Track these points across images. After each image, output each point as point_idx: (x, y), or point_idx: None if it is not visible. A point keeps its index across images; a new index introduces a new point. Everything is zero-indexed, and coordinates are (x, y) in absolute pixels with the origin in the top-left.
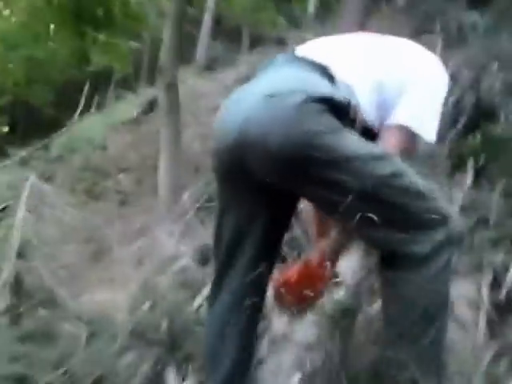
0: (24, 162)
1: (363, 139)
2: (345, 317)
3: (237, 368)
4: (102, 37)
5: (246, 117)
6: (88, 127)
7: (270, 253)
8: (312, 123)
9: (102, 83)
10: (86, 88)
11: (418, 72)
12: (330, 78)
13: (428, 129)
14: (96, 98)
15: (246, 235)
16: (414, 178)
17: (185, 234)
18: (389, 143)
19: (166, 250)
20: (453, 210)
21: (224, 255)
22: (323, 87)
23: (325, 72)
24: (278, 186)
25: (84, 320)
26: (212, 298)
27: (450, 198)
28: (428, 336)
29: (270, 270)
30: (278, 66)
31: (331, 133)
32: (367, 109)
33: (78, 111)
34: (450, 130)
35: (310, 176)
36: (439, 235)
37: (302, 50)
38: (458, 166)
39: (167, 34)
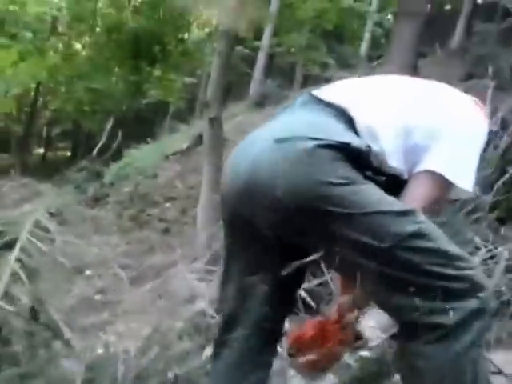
0: (78, 186)
1: (383, 192)
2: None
3: None
4: (157, 72)
5: (254, 161)
6: (142, 156)
7: (279, 309)
8: (322, 171)
9: (159, 115)
10: (136, 119)
11: (453, 117)
12: (349, 122)
13: (463, 177)
14: (153, 129)
15: (252, 289)
16: (441, 240)
17: (211, 273)
18: (417, 191)
19: (185, 290)
20: (486, 279)
21: (229, 309)
22: (339, 132)
23: (343, 115)
24: (286, 240)
25: (85, 361)
26: (216, 353)
27: (495, 255)
28: None
29: (279, 327)
30: (295, 109)
31: (344, 184)
32: (393, 155)
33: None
34: (497, 180)
35: (318, 230)
36: (468, 306)
37: (323, 92)
38: (504, 219)
39: (215, 71)
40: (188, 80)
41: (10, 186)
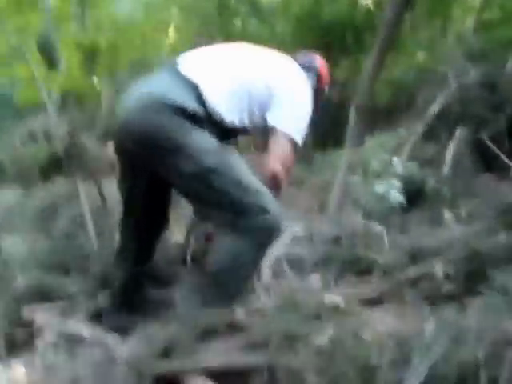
0: None
1: (209, 138)
2: None
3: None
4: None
5: (127, 111)
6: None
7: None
8: (163, 120)
9: None
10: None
11: (284, 79)
12: (197, 92)
13: (299, 134)
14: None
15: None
16: (242, 173)
17: None
18: (278, 148)
19: None
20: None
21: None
22: (185, 100)
23: (195, 89)
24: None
25: None
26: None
27: None
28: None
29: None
30: (163, 75)
31: (175, 130)
32: (231, 114)
33: None
34: None
35: (157, 158)
36: (256, 222)
37: (184, 64)
38: None
39: (371, 59)
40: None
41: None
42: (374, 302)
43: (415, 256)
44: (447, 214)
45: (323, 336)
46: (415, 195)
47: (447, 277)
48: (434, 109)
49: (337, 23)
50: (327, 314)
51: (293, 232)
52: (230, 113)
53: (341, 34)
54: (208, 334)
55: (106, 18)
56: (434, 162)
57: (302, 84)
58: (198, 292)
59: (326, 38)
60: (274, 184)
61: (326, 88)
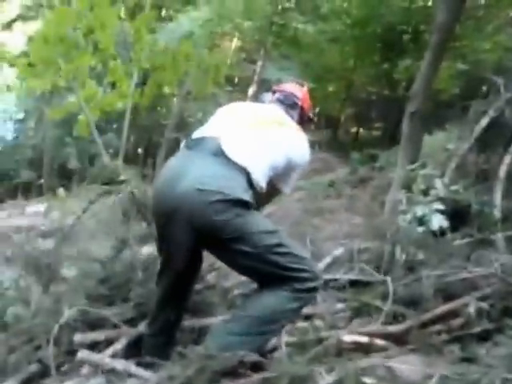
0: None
1: (262, 219)
2: None
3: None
4: (407, 61)
5: (180, 198)
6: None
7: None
8: (221, 214)
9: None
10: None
11: (298, 154)
12: (247, 176)
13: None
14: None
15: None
16: (292, 246)
17: None
18: (290, 189)
19: None
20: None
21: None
22: (239, 189)
23: (242, 170)
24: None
25: None
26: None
27: None
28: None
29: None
30: (204, 157)
31: (237, 217)
32: (263, 183)
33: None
34: None
35: (220, 246)
36: (308, 287)
37: (228, 147)
38: None
39: (425, 63)
40: (461, 67)
41: (311, 158)
42: (399, 341)
43: (447, 290)
44: (496, 238)
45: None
46: (460, 218)
47: (480, 313)
48: (485, 120)
49: (394, 25)
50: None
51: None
52: (264, 183)
53: (398, 35)
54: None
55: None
56: (485, 177)
57: (306, 145)
58: (229, 332)
59: (384, 40)
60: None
61: (311, 113)
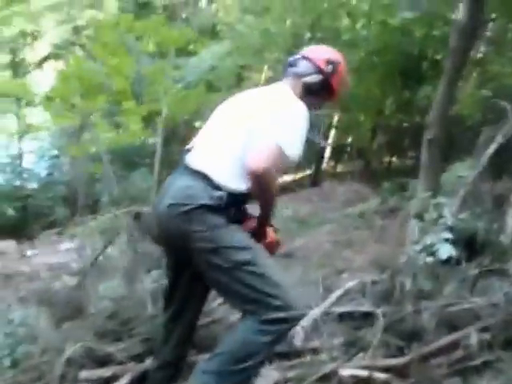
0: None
1: (238, 234)
2: None
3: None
4: (427, 89)
5: (160, 215)
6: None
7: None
8: (192, 224)
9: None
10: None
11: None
12: (210, 181)
13: (293, 148)
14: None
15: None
16: (269, 268)
17: None
18: (257, 159)
19: None
20: (297, 299)
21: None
22: (203, 195)
23: (205, 177)
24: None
25: None
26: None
27: None
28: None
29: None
30: (179, 171)
31: (211, 229)
32: (238, 183)
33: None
34: None
35: (196, 256)
36: (270, 315)
37: (192, 158)
38: None
39: (441, 89)
40: (484, 92)
41: (343, 190)
42: (401, 375)
43: (449, 321)
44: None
45: None
46: (470, 247)
47: (482, 345)
48: (494, 146)
49: (412, 53)
50: None
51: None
52: (241, 181)
53: (417, 63)
54: None
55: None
56: (497, 203)
57: (289, 109)
58: (204, 371)
59: (403, 68)
60: (258, 186)
61: (336, 82)
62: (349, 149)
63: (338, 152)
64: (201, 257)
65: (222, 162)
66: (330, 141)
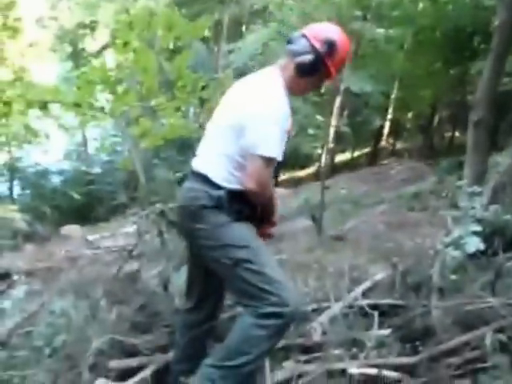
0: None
1: (240, 230)
2: None
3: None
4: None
5: (178, 215)
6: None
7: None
8: (198, 222)
9: None
10: None
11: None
12: (209, 182)
13: (276, 150)
14: None
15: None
16: (267, 265)
17: None
18: (250, 181)
19: None
20: (294, 296)
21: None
22: (203, 195)
23: (204, 178)
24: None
25: None
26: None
27: None
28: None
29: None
30: (188, 177)
31: (213, 227)
32: (238, 182)
33: None
34: None
35: (203, 253)
36: (273, 313)
37: (195, 161)
38: None
39: (487, 70)
40: None
41: (401, 168)
42: (412, 373)
43: (466, 320)
44: None
45: None
46: (499, 241)
47: (495, 345)
48: None
49: (463, 27)
50: None
51: None
52: (237, 179)
53: (468, 37)
54: None
55: None
56: None
57: (268, 102)
58: (207, 364)
59: (454, 43)
60: (257, 198)
61: (331, 60)
62: (408, 125)
63: (397, 129)
64: (207, 253)
65: (217, 162)
66: (388, 117)
